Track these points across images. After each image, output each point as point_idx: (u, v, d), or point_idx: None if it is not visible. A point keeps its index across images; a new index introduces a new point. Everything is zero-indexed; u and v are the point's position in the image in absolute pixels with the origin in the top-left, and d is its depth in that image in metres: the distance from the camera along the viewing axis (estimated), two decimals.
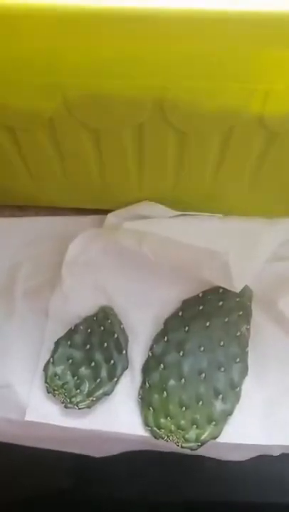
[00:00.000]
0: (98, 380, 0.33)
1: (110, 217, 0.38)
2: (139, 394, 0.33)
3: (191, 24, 0.22)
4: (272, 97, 0.25)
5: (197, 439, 0.31)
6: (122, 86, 0.25)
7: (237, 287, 0.34)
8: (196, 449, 0.31)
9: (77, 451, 0.41)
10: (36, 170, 0.35)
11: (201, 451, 0.35)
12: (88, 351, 0.34)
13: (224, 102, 0.25)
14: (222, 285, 0.34)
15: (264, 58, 0.23)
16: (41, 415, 0.33)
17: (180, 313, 0.36)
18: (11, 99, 0.26)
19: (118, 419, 0.33)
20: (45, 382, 0.33)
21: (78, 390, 0.33)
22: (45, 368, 0.33)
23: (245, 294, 0.36)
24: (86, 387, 0.33)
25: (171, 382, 0.33)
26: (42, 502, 0.56)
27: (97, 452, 0.41)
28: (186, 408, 0.32)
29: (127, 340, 0.35)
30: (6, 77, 0.25)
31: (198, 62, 0.23)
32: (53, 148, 0.31)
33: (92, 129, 0.28)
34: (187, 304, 0.36)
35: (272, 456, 0.38)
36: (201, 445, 0.31)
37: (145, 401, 0.33)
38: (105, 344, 0.34)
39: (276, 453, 0.37)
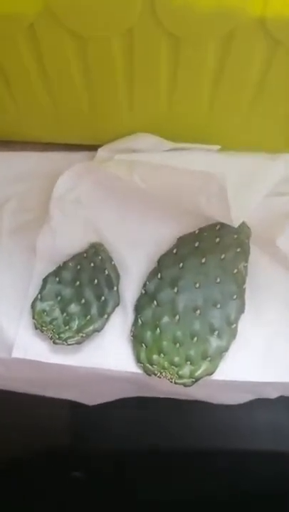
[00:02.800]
0: (88, 317, 0.32)
1: (101, 152, 0.36)
2: (131, 331, 0.32)
3: None
4: None
5: (191, 375, 0.30)
6: None
7: (235, 221, 0.32)
8: (190, 385, 0.30)
9: (68, 396, 0.40)
10: (20, 96, 0.32)
11: (195, 393, 0.34)
12: (78, 288, 0.33)
13: None
14: (218, 217, 0.32)
15: None
16: (29, 352, 0.31)
17: (174, 251, 0.34)
18: None
19: (109, 355, 0.31)
20: (33, 318, 0.31)
21: (67, 327, 0.31)
22: (33, 305, 0.32)
23: (243, 230, 0.34)
24: (75, 323, 0.31)
25: (165, 319, 0.32)
26: (36, 460, 0.56)
27: (89, 399, 0.41)
28: (180, 345, 0.31)
29: (118, 277, 0.33)
30: None
31: None
32: (37, 65, 0.28)
33: (78, 38, 0.26)
34: (182, 241, 0.34)
35: (266, 402, 0.37)
36: (195, 381, 0.30)
37: (137, 338, 0.32)
38: (96, 281, 0.33)
39: (273, 396, 0.36)
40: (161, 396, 0.37)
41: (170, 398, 0.37)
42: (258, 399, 0.37)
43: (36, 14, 0.25)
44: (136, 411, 0.47)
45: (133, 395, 0.39)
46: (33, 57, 0.28)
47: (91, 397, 0.40)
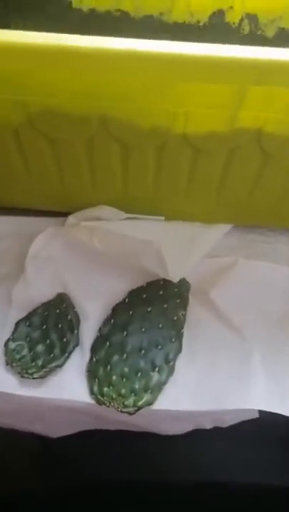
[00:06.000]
0: (52, 355, 0.38)
1: (70, 219, 0.44)
2: (87, 368, 0.39)
3: (127, 62, 0.28)
4: (191, 119, 0.32)
5: (135, 405, 0.37)
6: (75, 106, 0.31)
7: (173, 278, 0.40)
8: (133, 413, 0.36)
9: (35, 429, 0.45)
10: (4, 175, 0.41)
11: (141, 422, 0.40)
12: (44, 331, 0.39)
13: (154, 121, 0.32)
14: (158, 273, 0.40)
15: (181, 89, 0.30)
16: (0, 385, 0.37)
17: (126, 301, 0.42)
18: None
19: (68, 388, 0.38)
20: (5, 355, 0.38)
21: (34, 363, 0.38)
22: (6, 344, 0.38)
23: (183, 285, 0.42)
24: (41, 360, 0.38)
25: (115, 357, 0.39)
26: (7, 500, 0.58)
27: (53, 431, 0.46)
28: (126, 379, 0.38)
29: (78, 322, 0.40)
30: None
31: (132, 90, 0.30)
32: (19, 156, 0.37)
33: (51, 140, 0.35)
34: (132, 293, 0.42)
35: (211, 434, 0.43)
36: (138, 409, 0.36)
37: (92, 373, 0.38)
38: (60, 325, 0.39)
39: (208, 426, 0.42)
40: (113, 428, 0.43)
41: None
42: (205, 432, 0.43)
43: (20, 123, 0.33)
44: (93, 444, 0.52)
45: (91, 427, 0.45)
46: (16, 150, 0.37)
47: (54, 429, 0.45)
